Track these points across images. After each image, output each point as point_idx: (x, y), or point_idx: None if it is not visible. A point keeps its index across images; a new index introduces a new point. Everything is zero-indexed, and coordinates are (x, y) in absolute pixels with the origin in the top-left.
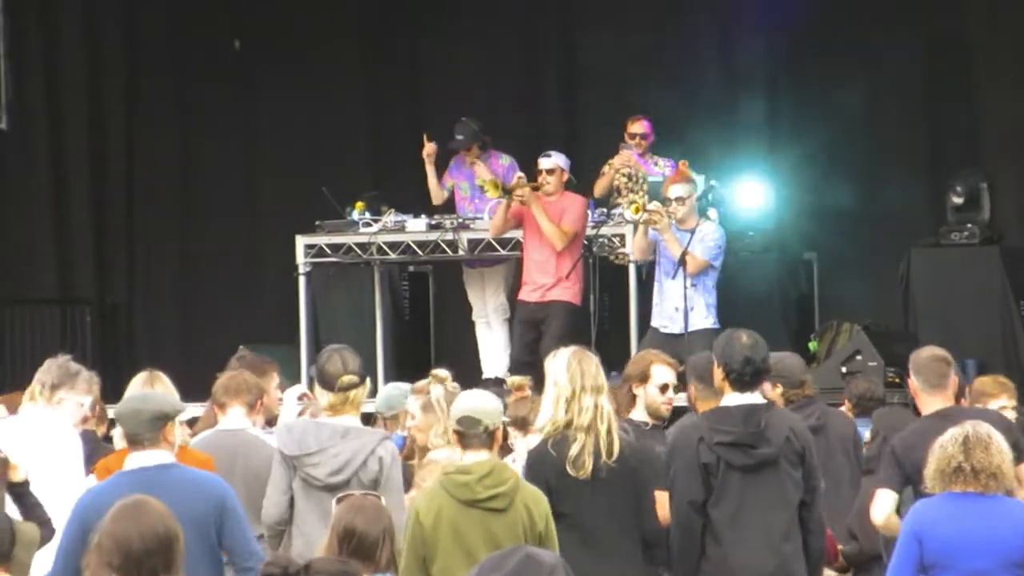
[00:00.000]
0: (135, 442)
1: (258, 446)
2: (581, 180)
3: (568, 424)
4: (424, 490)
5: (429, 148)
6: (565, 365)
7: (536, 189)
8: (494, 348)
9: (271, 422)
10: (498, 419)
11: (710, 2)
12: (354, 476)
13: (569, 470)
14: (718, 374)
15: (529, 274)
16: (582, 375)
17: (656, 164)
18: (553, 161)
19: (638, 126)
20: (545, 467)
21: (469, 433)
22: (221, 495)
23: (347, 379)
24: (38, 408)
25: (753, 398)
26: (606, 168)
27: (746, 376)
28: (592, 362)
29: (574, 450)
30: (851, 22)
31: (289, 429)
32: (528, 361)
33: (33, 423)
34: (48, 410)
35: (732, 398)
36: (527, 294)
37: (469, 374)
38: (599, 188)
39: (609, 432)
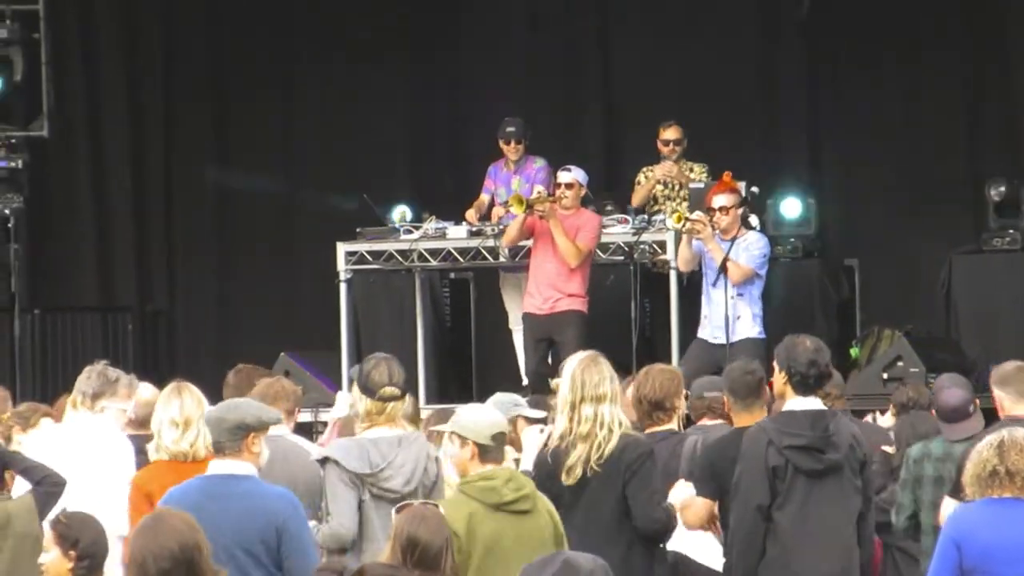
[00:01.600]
0: (217, 450)
1: (297, 452)
2: (618, 188)
3: (569, 433)
4: (445, 501)
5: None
6: (570, 375)
7: (553, 202)
8: None
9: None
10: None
11: (750, 9)
12: (420, 482)
13: (562, 478)
14: (780, 378)
15: (537, 286)
16: (583, 385)
17: (691, 171)
18: (572, 176)
19: (670, 132)
20: (544, 474)
21: (499, 447)
22: (285, 516)
23: (389, 390)
24: (82, 415)
25: (816, 403)
26: (642, 178)
27: (810, 379)
28: (597, 370)
29: (571, 459)
30: (892, 28)
31: (347, 450)
32: (545, 372)
33: (80, 431)
34: (93, 417)
35: (796, 402)
36: (534, 307)
37: (511, 380)
38: (637, 198)
39: (608, 437)
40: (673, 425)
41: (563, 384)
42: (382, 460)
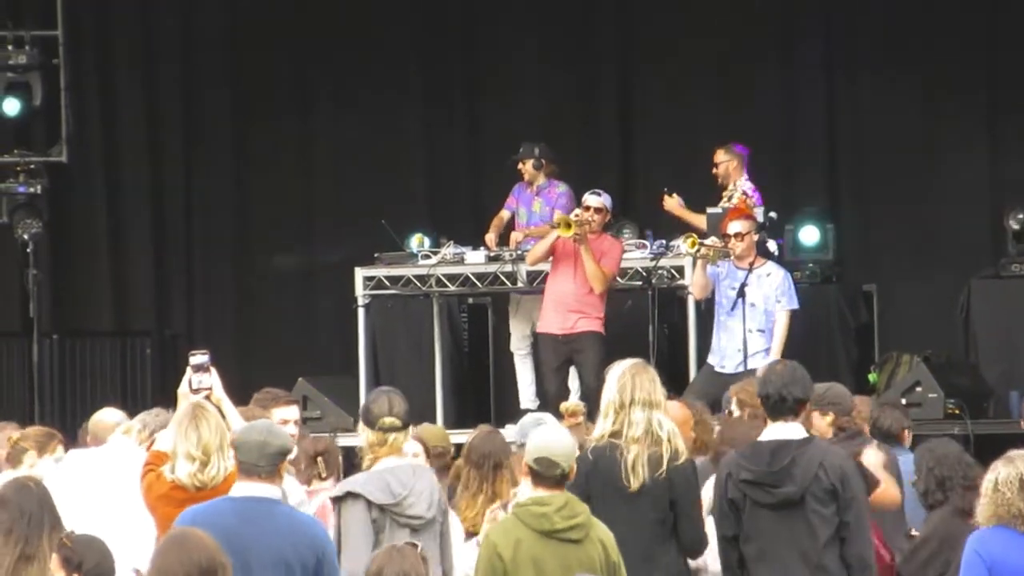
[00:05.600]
0: (251, 472)
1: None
2: (633, 212)
3: (615, 434)
4: (498, 523)
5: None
6: (618, 377)
7: (590, 228)
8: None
9: None
10: (573, 460)
11: (768, 33)
12: (438, 508)
13: (622, 480)
14: (762, 405)
15: (556, 307)
16: (633, 388)
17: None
18: (602, 201)
19: (716, 154)
20: (580, 474)
21: (545, 474)
22: (323, 543)
23: (388, 420)
24: (128, 443)
25: (790, 431)
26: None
27: (771, 406)
28: (648, 377)
29: (631, 461)
30: (910, 51)
31: (367, 483)
32: (562, 394)
33: (122, 457)
34: (138, 449)
35: (769, 431)
36: (552, 327)
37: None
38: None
39: (670, 443)
40: None
41: (610, 385)
42: (403, 488)
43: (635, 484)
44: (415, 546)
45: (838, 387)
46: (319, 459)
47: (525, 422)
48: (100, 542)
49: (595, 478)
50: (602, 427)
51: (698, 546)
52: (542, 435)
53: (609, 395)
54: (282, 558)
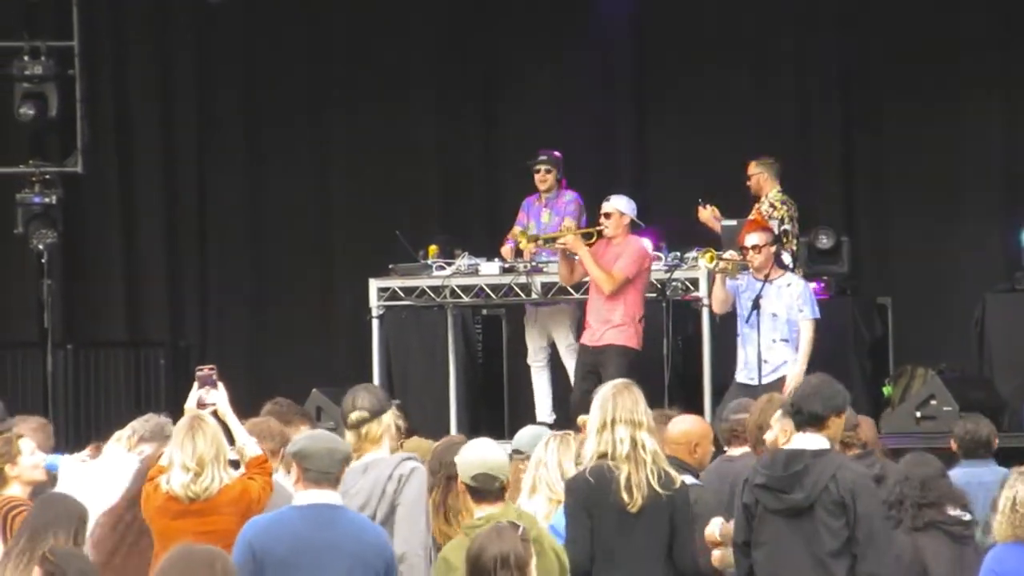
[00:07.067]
0: (320, 480)
1: (279, 490)
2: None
3: (603, 455)
4: (452, 542)
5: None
6: (601, 398)
7: (599, 234)
8: (550, 392)
9: None
10: (508, 471)
11: (785, 46)
12: (378, 506)
13: (621, 501)
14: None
15: (589, 318)
16: (615, 407)
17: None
18: (611, 205)
19: (748, 167)
20: (582, 495)
21: (484, 489)
22: (391, 551)
23: (355, 416)
24: (118, 451)
25: (810, 442)
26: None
27: (798, 417)
28: (631, 397)
29: (621, 481)
30: (927, 66)
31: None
32: (584, 406)
33: (112, 466)
34: (128, 456)
35: (794, 440)
36: (585, 338)
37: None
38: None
39: (655, 464)
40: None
41: (593, 407)
42: (344, 486)
43: (634, 504)
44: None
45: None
46: None
47: (523, 435)
48: (83, 555)
49: (596, 499)
50: (589, 447)
51: (693, 569)
52: (474, 451)
53: (593, 415)
54: (354, 563)
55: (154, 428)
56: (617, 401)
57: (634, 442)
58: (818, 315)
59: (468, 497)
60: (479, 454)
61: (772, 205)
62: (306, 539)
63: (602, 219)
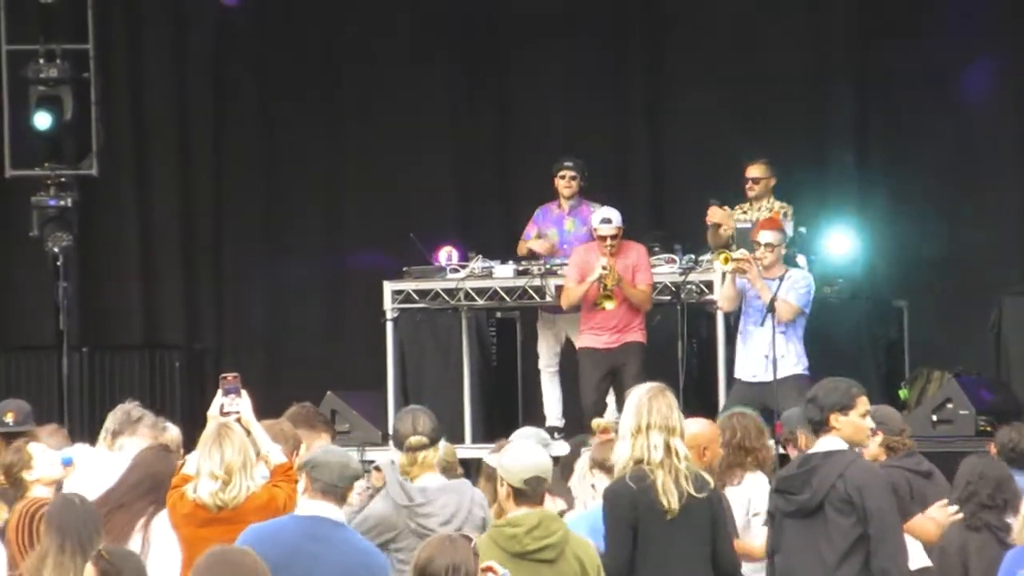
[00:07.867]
0: (327, 492)
1: None
2: (665, 226)
3: (639, 460)
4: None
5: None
6: (635, 401)
7: (613, 253)
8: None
9: None
10: (551, 472)
11: (799, 49)
12: (459, 527)
13: (661, 505)
14: None
15: (598, 322)
16: (649, 412)
17: (775, 209)
18: (618, 221)
19: (753, 170)
20: (625, 504)
21: (534, 492)
22: (386, 571)
23: (415, 439)
24: (100, 452)
25: (826, 444)
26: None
27: (809, 423)
28: (665, 401)
29: (659, 485)
30: (941, 69)
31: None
32: (599, 409)
33: (95, 468)
34: (110, 455)
35: (815, 445)
36: (596, 342)
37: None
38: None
39: (688, 469)
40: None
41: (627, 411)
42: (422, 497)
43: (671, 511)
44: (468, 539)
45: (886, 408)
46: None
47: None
48: (136, 556)
49: (639, 504)
50: (621, 451)
51: (735, 571)
52: (526, 455)
53: (626, 419)
54: None
55: (121, 419)
56: (652, 406)
57: (668, 448)
58: (805, 311)
59: (511, 499)
60: (531, 458)
61: (783, 207)
62: (297, 547)
63: (607, 241)
